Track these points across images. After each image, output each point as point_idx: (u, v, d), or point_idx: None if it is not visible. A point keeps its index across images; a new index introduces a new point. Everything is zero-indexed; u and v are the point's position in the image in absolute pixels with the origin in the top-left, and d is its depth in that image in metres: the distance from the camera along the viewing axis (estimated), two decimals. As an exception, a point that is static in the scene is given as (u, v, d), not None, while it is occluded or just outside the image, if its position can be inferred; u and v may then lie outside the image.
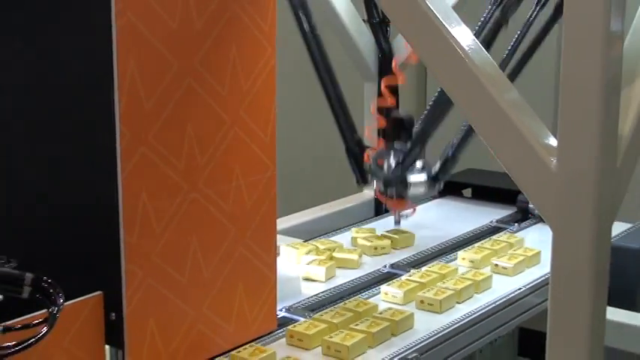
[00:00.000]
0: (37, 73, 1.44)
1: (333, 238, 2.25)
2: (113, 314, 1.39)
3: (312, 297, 1.88)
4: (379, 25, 2.50)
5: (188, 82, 1.45)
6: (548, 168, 1.34)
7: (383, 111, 2.32)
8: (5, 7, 1.43)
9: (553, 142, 1.35)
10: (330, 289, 1.92)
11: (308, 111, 3.83)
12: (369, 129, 2.37)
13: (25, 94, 1.46)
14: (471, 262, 2.04)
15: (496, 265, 2.02)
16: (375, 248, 2.18)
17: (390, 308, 1.76)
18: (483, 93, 1.40)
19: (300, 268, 2.02)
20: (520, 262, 2.03)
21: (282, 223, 2.13)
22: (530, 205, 2.41)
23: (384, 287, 1.86)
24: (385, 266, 2.07)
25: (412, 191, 2.24)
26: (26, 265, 1.19)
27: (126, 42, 1.34)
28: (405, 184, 2.22)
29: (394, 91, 2.36)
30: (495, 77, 1.42)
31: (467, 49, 1.41)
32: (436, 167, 2.24)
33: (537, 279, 2.02)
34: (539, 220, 2.38)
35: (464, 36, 1.43)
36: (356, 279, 1.99)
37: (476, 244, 2.15)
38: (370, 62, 2.53)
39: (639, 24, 1.54)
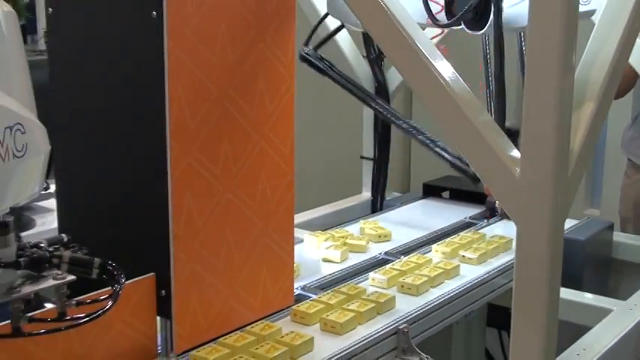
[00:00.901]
0: (109, 98, 1.45)
1: (345, 229, 2.27)
2: (163, 291, 1.41)
3: (325, 276, 1.92)
4: (375, 60, 2.52)
5: (224, 106, 1.47)
6: (513, 176, 1.36)
7: None
8: (88, 50, 1.46)
9: (517, 154, 1.37)
10: (338, 271, 1.96)
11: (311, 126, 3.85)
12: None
13: (100, 113, 1.48)
14: (443, 253, 2.05)
15: (463, 256, 2.03)
16: (379, 236, 2.21)
17: (376, 292, 1.77)
18: (461, 115, 1.41)
19: (319, 252, 2.07)
20: (483, 253, 2.04)
21: (298, 218, 2.15)
22: (497, 205, 2.44)
23: (371, 274, 1.87)
24: (381, 253, 2.09)
25: None
26: (95, 251, 1.20)
27: (175, 73, 1.36)
28: None
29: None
30: (471, 102, 1.44)
31: (447, 79, 1.43)
32: None
33: (503, 264, 2.04)
34: (504, 216, 2.39)
35: (445, 68, 1.45)
36: (363, 261, 2.03)
37: (447, 239, 2.15)
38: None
39: (587, 57, 1.55)
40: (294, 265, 1.73)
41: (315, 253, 2.08)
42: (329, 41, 2.36)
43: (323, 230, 2.23)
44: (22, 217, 2.18)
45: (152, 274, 1.40)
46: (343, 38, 2.47)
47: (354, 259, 2.04)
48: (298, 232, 2.00)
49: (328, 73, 2.22)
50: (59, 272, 1.11)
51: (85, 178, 1.52)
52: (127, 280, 1.21)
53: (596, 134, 1.50)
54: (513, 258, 1.43)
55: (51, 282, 1.09)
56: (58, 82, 1.52)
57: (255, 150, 1.54)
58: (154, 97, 1.36)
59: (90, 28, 1.45)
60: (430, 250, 2.09)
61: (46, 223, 2.20)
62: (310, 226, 2.34)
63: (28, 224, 2.16)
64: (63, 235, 1.19)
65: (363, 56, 2.53)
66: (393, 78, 2.55)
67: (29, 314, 1.10)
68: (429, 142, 2.20)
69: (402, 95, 3.61)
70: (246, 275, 1.56)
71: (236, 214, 1.52)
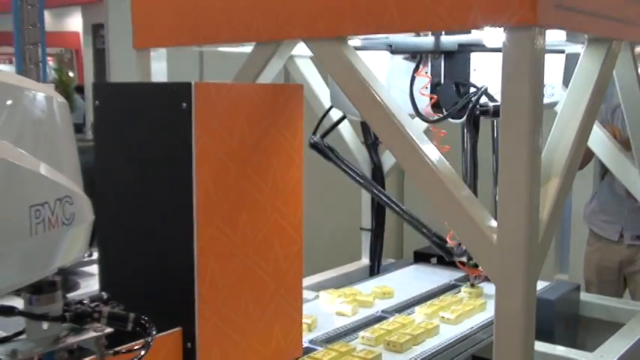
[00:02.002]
0: (145, 177, 1.46)
1: (355, 287, 2.27)
2: (189, 344, 1.38)
3: (337, 328, 1.90)
4: (372, 145, 2.55)
5: (242, 182, 1.47)
6: (491, 242, 1.36)
7: None
8: (127, 135, 1.47)
9: (494, 224, 1.37)
10: (344, 325, 1.94)
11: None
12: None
13: (137, 190, 1.48)
14: (425, 314, 2.01)
15: (442, 316, 1.99)
16: (384, 294, 2.21)
17: (364, 349, 1.74)
18: (446, 191, 1.42)
19: (333, 307, 2.07)
20: (460, 314, 1.99)
21: (306, 281, 2.14)
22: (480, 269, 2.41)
23: (361, 333, 1.84)
24: (377, 312, 2.06)
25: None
26: (131, 308, 1.19)
27: (201, 155, 1.37)
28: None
29: None
30: (454, 180, 1.45)
31: (434, 160, 1.45)
32: None
33: (480, 322, 2.00)
34: (485, 279, 2.36)
35: (432, 151, 1.47)
36: (368, 316, 2.02)
37: (429, 301, 2.11)
38: (365, 171, 2.53)
39: (552, 140, 1.56)
40: (311, 318, 1.70)
41: (329, 307, 2.08)
42: (333, 130, 2.40)
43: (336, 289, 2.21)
44: (68, 279, 2.16)
45: (179, 328, 1.38)
46: (345, 127, 2.50)
47: (362, 314, 2.03)
48: (306, 293, 1.99)
49: (333, 160, 2.25)
50: (99, 325, 1.10)
51: (123, 245, 1.51)
52: (157, 333, 1.19)
53: (562, 205, 1.51)
54: (488, 317, 1.41)
55: (92, 334, 1.09)
56: (101, 163, 1.53)
57: (269, 220, 1.53)
58: (183, 175, 1.37)
59: (129, 116, 1.47)
60: (413, 312, 2.04)
61: (89, 286, 2.18)
62: (317, 287, 2.31)
63: (74, 286, 2.15)
64: (103, 293, 1.19)
65: (362, 142, 2.55)
66: (387, 160, 2.57)
67: None
68: (415, 221, 2.22)
69: (395, 175, 3.64)
70: (261, 329, 1.53)
71: (253, 276, 1.50)
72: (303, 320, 1.65)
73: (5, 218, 0.89)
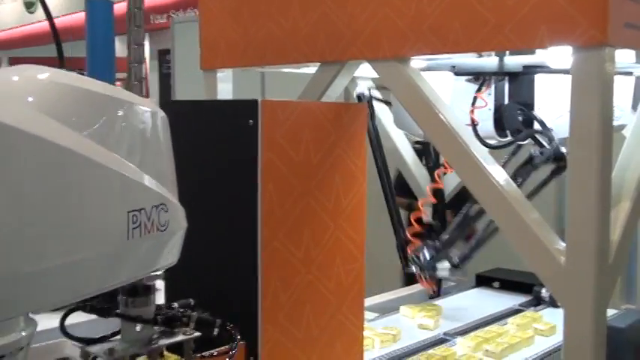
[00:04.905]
0: (212, 191, 1.47)
1: (434, 302, 2.30)
2: (252, 358, 1.38)
3: (393, 351, 1.88)
4: (433, 168, 2.50)
5: (306, 199, 1.47)
6: (559, 265, 1.32)
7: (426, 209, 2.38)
8: (196, 150, 1.48)
9: (562, 246, 1.33)
10: (400, 348, 1.90)
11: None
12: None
13: (204, 204, 1.46)
14: (468, 347, 1.91)
15: (486, 349, 1.89)
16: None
17: None
18: (512, 212, 1.39)
19: (415, 321, 2.12)
20: (504, 348, 1.88)
21: (366, 302, 2.12)
22: (543, 294, 2.35)
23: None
24: (439, 334, 2.02)
25: (439, 274, 2.25)
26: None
27: (266, 171, 1.38)
28: (434, 270, 2.22)
29: (436, 192, 2.38)
30: (521, 202, 1.42)
31: (501, 181, 1.42)
32: (456, 259, 2.21)
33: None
34: (550, 304, 2.30)
35: (498, 172, 1.44)
36: (429, 338, 2.00)
37: (472, 333, 2.01)
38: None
39: (623, 159, 1.52)
40: (395, 330, 1.78)
41: (410, 321, 2.12)
42: (393, 151, 2.39)
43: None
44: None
45: (243, 342, 1.35)
46: (406, 149, 2.48)
47: (424, 335, 2.02)
48: (367, 314, 1.97)
49: None
50: (187, 329, 1.14)
51: (188, 258, 1.52)
52: (220, 345, 1.22)
53: (634, 227, 1.46)
54: (535, 352, 1.34)
55: (181, 337, 1.12)
56: (170, 178, 1.56)
57: (332, 238, 1.52)
58: (248, 190, 1.38)
59: (198, 132, 1.49)
60: (455, 343, 1.96)
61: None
62: (377, 309, 2.28)
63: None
64: (190, 299, 1.24)
65: (423, 165, 2.53)
66: (448, 183, 2.53)
67: None
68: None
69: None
70: (323, 346, 1.52)
71: (315, 292, 1.49)
72: (388, 331, 1.63)
73: (105, 222, 0.94)
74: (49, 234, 0.88)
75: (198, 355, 1.14)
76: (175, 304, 1.19)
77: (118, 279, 0.98)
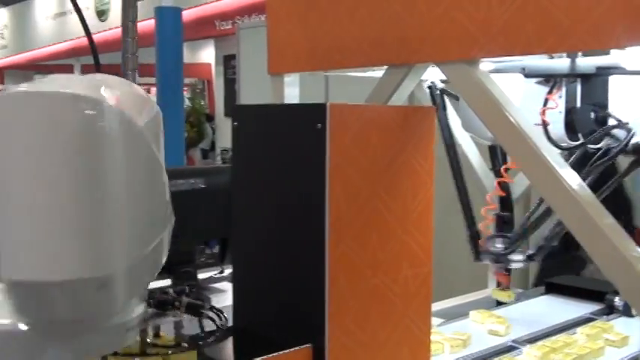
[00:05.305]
0: (278, 196, 1.48)
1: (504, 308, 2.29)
2: (318, 361, 1.38)
3: (462, 356, 1.86)
4: (500, 171, 2.47)
5: (374, 202, 1.46)
6: (637, 272, 1.27)
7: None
8: (263, 154, 1.51)
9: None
10: (470, 354, 1.88)
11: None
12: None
13: (271, 209, 1.51)
14: (535, 356, 1.85)
15: None
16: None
17: None
18: (586, 218, 1.35)
19: (485, 327, 2.09)
20: (573, 359, 1.82)
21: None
22: (616, 303, 2.27)
23: None
24: (508, 341, 1.98)
25: (513, 267, 2.21)
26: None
27: (334, 175, 1.38)
28: (507, 262, 2.16)
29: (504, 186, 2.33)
30: (595, 206, 1.37)
31: (573, 186, 1.38)
32: (531, 251, 2.17)
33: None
34: (623, 313, 2.22)
35: (571, 176, 1.40)
36: (491, 347, 1.95)
37: (539, 342, 1.95)
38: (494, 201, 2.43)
39: None
40: (465, 335, 1.77)
41: (480, 327, 2.08)
42: (460, 154, 2.35)
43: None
44: (201, 295, 2.24)
45: (309, 345, 1.38)
46: (472, 152, 2.45)
47: (493, 342, 1.97)
48: (433, 320, 1.95)
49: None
50: (178, 312, 1.35)
51: (256, 262, 1.54)
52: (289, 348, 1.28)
53: None
54: None
55: (170, 319, 1.34)
56: (237, 181, 1.58)
57: (398, 242, 1.51)
58: (316, 194, 1.38)
59: (265, 136, 1.51)
60: (521, 352, 1.90)
61: (219, 302, 2.24)
62: (442, 314, 2.25)
63: (205, 301, 2.21)
64: (187, 286, 1.38)
65: (490, 168, 2.48)
66: (516, 187, 2.48)
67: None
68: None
69: (522, 202, 3.51)
70: (389, 352, 1.50)
71: (381, 296, 1.48)
72: (458, 337, 1.62)
73: (151, 209, 1.14)
74: (151, 222, 1.17)
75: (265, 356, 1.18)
76: (170, 290, 1.36)
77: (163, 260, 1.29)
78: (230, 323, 1.33)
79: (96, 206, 1.05)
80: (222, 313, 1.27)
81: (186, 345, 1.39)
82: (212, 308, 1.28)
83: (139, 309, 1.18)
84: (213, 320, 1.30)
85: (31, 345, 1.06)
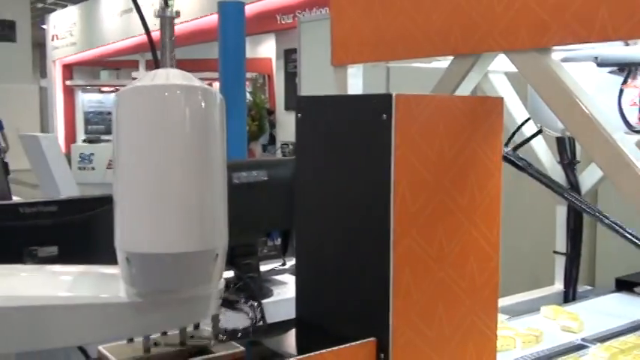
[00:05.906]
0: (343, 188, 1.47)
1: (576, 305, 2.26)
2: (382, 354, 1.36)
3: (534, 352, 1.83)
4: (568, 165, 2.40)
5: (440, 195, 1.43)
6: None
7: None
8: (327, 145, 1.51)
9: None
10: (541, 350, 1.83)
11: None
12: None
13: (334, 200, 1.50)
14: (602, 357, 1.78)
15: None
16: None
17: None
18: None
19: (557, 323, 2.05)
20: None
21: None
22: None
23: None
24: (577, 339, 1.92)
25: None
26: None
27: (400, 166, 1.36)
28: None
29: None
30: (675, 199, 1.31)
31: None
32: None
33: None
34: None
35: (648, 167, 1.34)
36: (560, 345, 1.89)
37: (607, 342, 1.87)
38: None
39: None
40: (538, 332, 1.74)
41: (552, 323, 2.05)
42: (525, 146, 2.29)
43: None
44: (263, 287, 2.25)
45: (373, 338, 1.36)
46: (539, 145, 2.38)
47: (564, 339, 1.92)
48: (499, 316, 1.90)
49: (528, 171, 2.13)
50: None
51: (320, 254, 1.53)
52: (353, 341, 1.29)
53: None
54: None
55: None
56: (301, 173, 1.57)
57: (465, 235, 1.48)
58: (381, 186, 1.36)
59: (329, 128, 1.49)
60: (587, 353, 1.84)
61: (281, 294, 2.25)
62: (507, 310, 2.19)
63: (267, 293, 2.23)
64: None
65: (557, 161, 2.41)
66: (585, 181, 2.40)
67: None
68: (619, 228, 2.03)
69: (591, 197, 3.41)
70: (454, 347, 1.47)
71: (447, 291, 1.45)
72: (531, 332, 1.60)
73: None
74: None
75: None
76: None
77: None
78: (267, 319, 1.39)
79: (209, 186, 1.24)
80: (258, 307, 1.35)
81: (223, 338, 1.43)
82: (248, 302, 1.36)
83: (222, 282, 1.35)
84: (247, 314, 1.36)
85: (134, 314, 1.24)
